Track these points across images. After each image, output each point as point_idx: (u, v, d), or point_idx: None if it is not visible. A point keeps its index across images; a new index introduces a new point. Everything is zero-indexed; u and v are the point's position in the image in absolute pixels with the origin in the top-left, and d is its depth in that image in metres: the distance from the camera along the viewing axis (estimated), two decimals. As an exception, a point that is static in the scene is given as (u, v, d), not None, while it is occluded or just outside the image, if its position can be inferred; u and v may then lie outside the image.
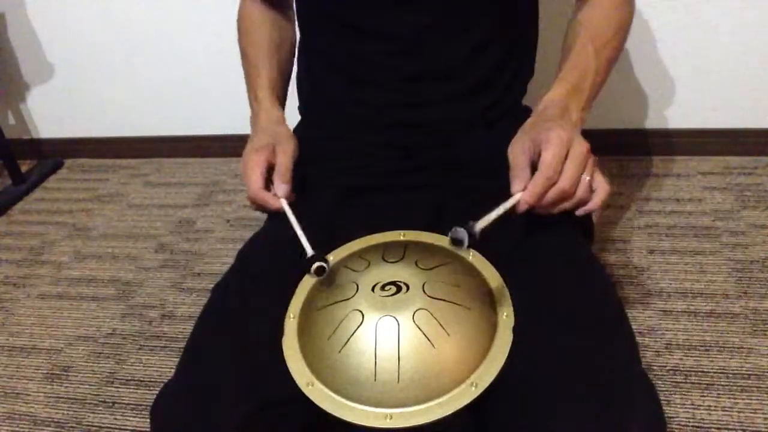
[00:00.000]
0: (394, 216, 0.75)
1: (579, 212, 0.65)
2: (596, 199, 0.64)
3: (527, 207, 0.62)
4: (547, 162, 0.61)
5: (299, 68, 0.91)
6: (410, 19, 0.76)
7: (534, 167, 0.63)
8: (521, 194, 0.62)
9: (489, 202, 0.65)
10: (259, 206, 0.77)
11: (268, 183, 0.76)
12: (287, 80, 0.91)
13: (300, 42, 0.89)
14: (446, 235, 0.70)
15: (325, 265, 0.64)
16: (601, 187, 0.64)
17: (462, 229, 0.59)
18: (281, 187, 0.75)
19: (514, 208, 0.63)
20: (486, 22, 0.77)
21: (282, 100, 0.88)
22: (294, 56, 0.92)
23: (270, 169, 0.76)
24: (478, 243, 0.68)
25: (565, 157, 0.62)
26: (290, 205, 0.74)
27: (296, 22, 0.90)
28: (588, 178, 0.63)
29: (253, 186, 0.75)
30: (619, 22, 0.78)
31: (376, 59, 0.79)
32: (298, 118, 0.93)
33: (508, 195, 0.63)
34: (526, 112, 0.85)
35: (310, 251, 0.66)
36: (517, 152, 0.65)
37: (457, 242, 0.59)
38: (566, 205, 0.64)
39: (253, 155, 0.76)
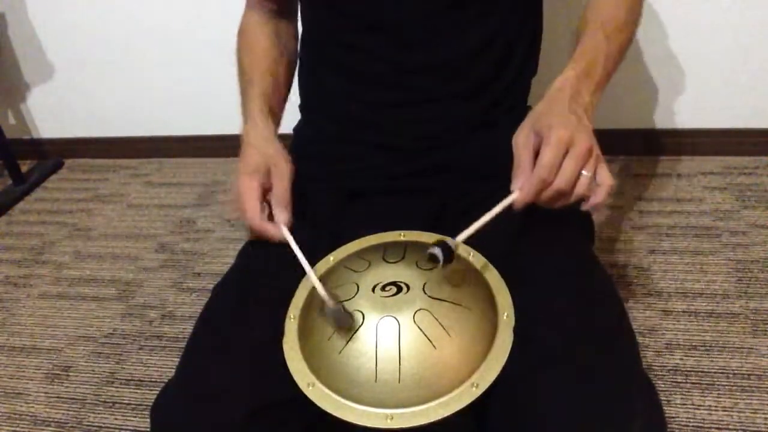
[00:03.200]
0: (394, 219, 0.75)
1: (583, 207, 0.64)
2: (598, 195, 0.63)
3: (523, 206, 0.62)
4: (543, 162, 0.61)
5: (300, 65, 0.91)
6: (412, 11, 0.76)
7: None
8: (516, 194, 0.62)
9: (489, 205, 0.65)
10: (260, 236, 0.73)
11: (265, 208, 0.72)
12: (285, 96, 0.87)
13: (301, 38, 0.89)
14: (446, 235, 0.71)
15: (352, 322, 0.61)
16: (604, 182, 0.62)
17: (438, 248, 0.59)
18: (282, 214, 0.71)
19: (511, 205, 0.63)
20: (491, 17, 0.77)
21: (277, 116, 0.84)
22: (294, 71, 0.90)
23: (265, 192, 0.73)
24: (479, 243, 0.69)
25: (565, 155, 0.61)
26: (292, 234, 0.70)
27: (298, 19, 0.90)
28: (588, 174, 0.62)
29: (253, 217, 0.71)
30: (630, 11, 0.78)
31: (377, 53, 0.79)
32: (299, 116, 0.93)
33: (508, 192, 0.63)
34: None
35: (330, 302, 0.61)
36: (520, 145, 0.64)
37: (433, 259, 0.60)
38: (565, 201, 0.63)
39: (246, 180, 0.72)
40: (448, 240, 0.60)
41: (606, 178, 0.62)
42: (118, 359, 1.24)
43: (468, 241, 0.69)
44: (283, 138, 0.79)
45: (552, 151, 0.61)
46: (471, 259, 0.68)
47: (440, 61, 0.77)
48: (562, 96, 0.68)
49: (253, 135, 0.78)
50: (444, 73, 0.78)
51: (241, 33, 0.89)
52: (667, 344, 1.10)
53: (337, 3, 0.79)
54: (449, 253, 0.60)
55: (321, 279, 0.68)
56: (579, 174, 0.61)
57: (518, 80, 0.83)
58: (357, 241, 0.72)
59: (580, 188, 0.62)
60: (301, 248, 0.73)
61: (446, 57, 0.77)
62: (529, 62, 0.85)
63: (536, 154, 0.63)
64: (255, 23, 0.88)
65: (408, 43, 0.77)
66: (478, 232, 0.63)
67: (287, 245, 0.69)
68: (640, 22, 0.80)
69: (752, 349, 1.07)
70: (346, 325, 0.60)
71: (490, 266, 0.67)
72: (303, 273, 0.69)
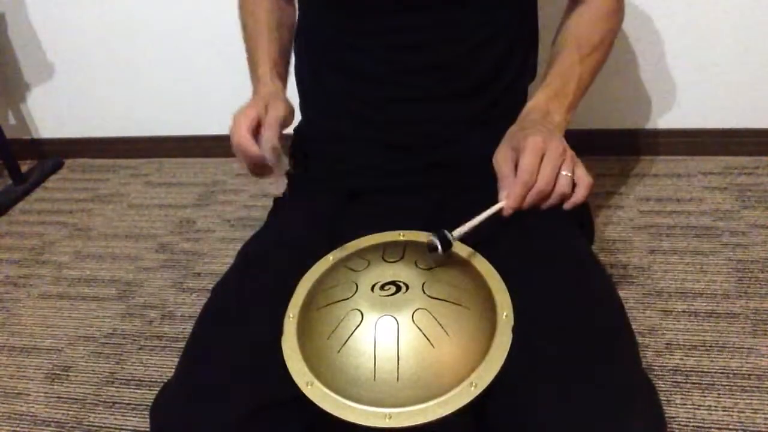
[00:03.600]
0: (395, 217, 0.75)
1: (566, 206, 0.68)
2: (578, 193, 0.67)
3: (511, 211, 0.67)
4: (523, 168, 0.65)
5: (301, 65, 0.91)
6: (413, 11, 0.76)
7: None
8: (504, 201, 0.67)
9: (488, 202, 0.66)
10: (242, 154, 0.73)
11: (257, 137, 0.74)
12: (287, 60, 0.91)
13: (302, 37, 0.89)
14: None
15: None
16: (582, 181, 0.67)
17: (436, 238, 0.63)
18: (268, 134, 0.72)
19: (500, 212, 0.67)
20: (491, 16, 0.77)
21: (284, 80, 0.86)
22: (292, 39, 0.92)
23: (260, 127, 0.74)
24: (478, 243, 0.69)
25: (542, 159, 0.66)
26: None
27: (297, 13, 0.90)
28: (567, 174, 0.66)
29: (239, 131, 0.72)
30: (606, 31, 0.81)
31: (377, 52, 0.79)
32: (299, 116, 0.93)
33: (495, 201, 0.68)
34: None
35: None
36: (501, 161, 0.69)
37: (432, 248, 0.64)
38: (549, 202, 0.67)
39: (244, 108, 0.74)
40: (445, 231, 0.64)
41: (583, 176, 0.67)
42: (118, 359, 1.24)
43: (468, 242, 0.69)
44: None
45: (529, 157, 0.65)
46: (470, 258, 0.68)
47: (440, 60, 0.78)
48: (533, 117, 0.73)
49: (262, 91, 0.81)
50: (444, 72, 0.78)
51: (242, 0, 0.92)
52: (667, 344, 1.10)
53: (337, 5, 0.79)
54: (448, 243, 0.64)
55: (320, 278, 0.68)
56: (558, 174, 0.66)
57: (518, 81, 0.84)
58: (357, 240, 0.72)
59: (561, 187, 0.66)
60: (300, 248, 0.73)
61: (446, 56, 0.77)
62: (527, 64, 0.85)
63: (517, 166, 0.67)
64: None
65: (408, 43, 0.77)
66: (473, 231, 0.66)
67: (288, 235, 0.73)
68: (615, 40, 0.83)
69: (752, 349, 1.07)
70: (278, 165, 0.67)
71: (490, 266, 0.66)
72: (303, 272, 0.70)
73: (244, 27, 0.90)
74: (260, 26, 0.87)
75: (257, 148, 0.71)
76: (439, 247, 0.63)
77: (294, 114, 0.79)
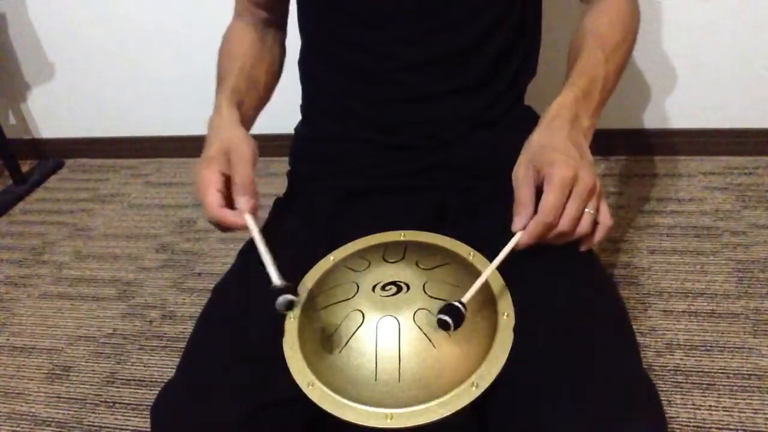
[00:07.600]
0: (395, 217, 0.75)
1: (582, 248, 0.65)
2: (597, 234, 0.63)
3: (526, 247, 0.62)
4: (547, 206, 0.60)
5: (303, 65, 0.91)
6: (412, 7, 0.76)
7: (539, 192, 0.61)
8: (519, 236, 0.61)
9: (490, 203, 0.65)
10: (221, 227, 0.67)
11: (229, 197, 0.67)
12: (262, 97, 0.84)
13: (304, 38, 0.89)
14: (446, 234, 0.71)
15: (293, 299, 0.59)
16: (603, 221, 0.63)
17: (446, 316, 0.57)
18: (242, 201, 0.66)
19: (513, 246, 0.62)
20: (490, 13, 0.77)
21: (247, 113, 0.80)
22: (276, 79, 0.88)
23: (227, 181, 0.67)
24: (479, 244, 0.69)
25: (569, 195, 0.60)
26: (262, 232, 0.65)
27: (297, 23, 0.90)
28: (591, 212, 0.62)
29: (211, 206, 0.65)
30: (627, 29, 0.77)
31: (377, 49, 0.79)
32: (299, 116, 0.93)
33: (510, 233, 0.62)
34: (528, 113, 0.85)
35: (276, 280, 0.60)
36: (521, 180, 0.63)
37: (444, 326, 0.57)
38: (567, 239, 0.63)
39: (204, 170, 0.67)
40: (455, 302, 0.57)
41: (605, 217, 0.63)
42: (118, 359, 1.24)
43: (469, 243, 0.69)
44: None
45: (556, 195, 0.59)
46: (471, 259, 0.67)
47: (440, 56, 0.77)
48: (561, 124, 0.66)
49: (216, 122, 0.75)
50: (443, 68, 0.78)
51: (224, 40, 0.89)
52: (667, 344, 1.10)
53: (335, 2, 0.79)
54: (459, 316, 0.57)
55: (321, 278, 0.68)
56: (581, 217, 0.61)
57: (518, 78, 0.83)
58: (357, 240, 0.72)
59: (583, 228, 0.62)
60: (301, 248, 0.73)
61: (446, 52, 0.77)
62: (528, 62, 0.85)
63: (537, 188, 0.62)
64: (239, 29, 0.88)
65: (407, 39, 0.77)
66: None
67: (288, 235, 0.70)
68: (636, 39, 0.78)
69: (753, 349, 1.07)
70: (286, 308, 0.58)
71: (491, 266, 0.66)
72: (304, 272, 0.70)
73: (217, 69, 0.85)
74: (232, 63, 0.83)
75: (241, 220, 0.65)
76: (452, 325, 0.57)
77: (257, 149, 0.70)
